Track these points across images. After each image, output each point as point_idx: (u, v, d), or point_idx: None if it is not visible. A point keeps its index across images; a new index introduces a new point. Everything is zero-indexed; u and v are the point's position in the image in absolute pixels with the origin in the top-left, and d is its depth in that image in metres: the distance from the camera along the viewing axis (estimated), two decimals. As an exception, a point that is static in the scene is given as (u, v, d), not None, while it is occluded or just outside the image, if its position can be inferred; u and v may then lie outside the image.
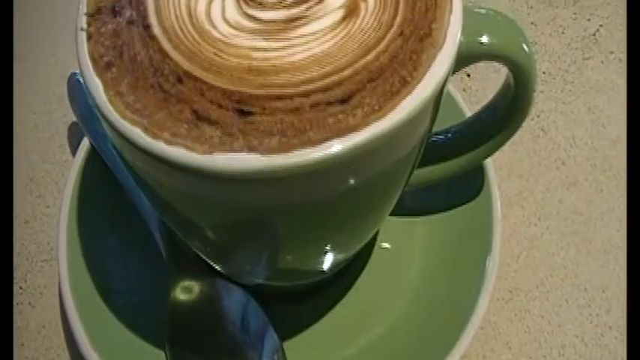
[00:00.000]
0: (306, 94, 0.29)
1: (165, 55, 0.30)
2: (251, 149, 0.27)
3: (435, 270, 0.46)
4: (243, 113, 0.28)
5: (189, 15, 0.32)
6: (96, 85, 0.30)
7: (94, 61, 0.31)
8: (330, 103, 0.29)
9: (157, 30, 0.31)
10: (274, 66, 0.30)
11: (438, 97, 0.31)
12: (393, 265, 0.47)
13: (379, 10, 0.32)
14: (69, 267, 0.45)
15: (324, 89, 0.29)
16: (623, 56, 0.61)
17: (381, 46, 0.31)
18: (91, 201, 0.47)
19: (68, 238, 0.46)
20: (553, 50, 0.62)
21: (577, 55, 0.62)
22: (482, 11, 0.37)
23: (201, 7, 0.32)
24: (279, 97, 0.29)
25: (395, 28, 0.31)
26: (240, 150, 0.27)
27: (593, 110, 0.58)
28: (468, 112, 0.50)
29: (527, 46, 0.37)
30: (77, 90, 0.51)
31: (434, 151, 0.40)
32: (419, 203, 0.48)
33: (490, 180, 0.47)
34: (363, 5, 0.32)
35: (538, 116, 0.57)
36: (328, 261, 0.40)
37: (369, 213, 0.37)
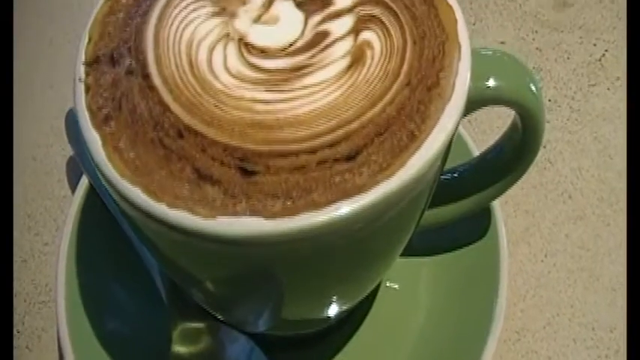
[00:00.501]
0: (311, 151, 0.28)
1: (165, 107, 0.29)
2: (254, 212, 0.27)
3: (441, 313, 0.45)
4: (246, 172, 0.28)
5: (190, 64, 0.31)
6: (94, 140, 0.29)
7: (92, 113, 0.30)
8: (336, 160, 0.28)
9: (156, 80, 0.30)
10: (278, 119, 0.29)
11: (447, 149, 0.30)
12: (398, 307, 0.46)
13: (385, 59, 0.31)
14: (67, 310, 0.43)
15: (331, 145, 0.28)
16: (630, 83, 0.61)
17: (388, 97, 0.30)
18: (91, 241, 0.46)
19: (67, 279, 0.44)
20: (559, 77, 0.61)
21: (583, 81, 0.61)
22: (489, 52, 0.36)
23: (202, 56, 0.31)
24: (283, 155, 0.28)
25: (402, 77, 0.30)
26: (243, 213, 0.27)
27: (599, 139, 0.57)
28: (475, 149, 0.49)
29: (536, 89, 0.36)
30: (75, 127, 0.50)
31: (440, 193, 0.39)
32: (424, 243, 0.47)
33: (496, 219, 0.46)
34: (369, 53, 0.31)
35: (544, 147, 0.56)
36: (334, 310, 0.39)
37: (375, 263, 0.36)
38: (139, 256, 0.45)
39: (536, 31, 0.64)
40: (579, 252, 0.51)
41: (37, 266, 0.52)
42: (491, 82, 0.34)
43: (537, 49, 0.63)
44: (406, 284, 0.47)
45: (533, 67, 0.61)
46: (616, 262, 0.51)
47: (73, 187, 0.50)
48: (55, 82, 0.62)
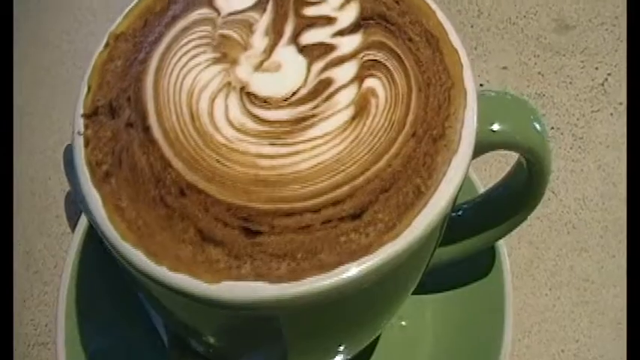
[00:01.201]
0: (316, 209, 0.27)
1: (166, 163, 0.29)
2: (259, 276, 0.26)
3: (448, 350, 0.45)
4: (250, 233, 0.27)
5: (191, 115, 0.30)
6: (94, 199, 0.29)
7: (92, 169, 0.29)
8: (341, 219, 0.27)
9: (157, 133, 0.30)
10: (281, 175, 0.28)
11: (454, 201, 0.30)
12: (405, 343, 0.46)
13: (390, 107, 0.30)
14: (67, 354, 0.43)
15: (335, 202, 0.28)
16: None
17: (394, 150, 0.29)
18: (91, 283, 0.45)
19: (67, 322, 0.43)
20: (561, 102, 0.60)
21: (585, 107, 0.60)
22: (492, 94, 0.35)
23: (203, 106, 0.30)
24: (287, 214, 0.27)
25: (407, 127, 0.30)
26: (248, 276, 0.26)
27: (603, 168, 0.57)
28: (479, 182, 0.48)
29: (542, 131, 0.35)
30: (73, 165, 0.49)
31: (445, 233, 0.39)
32: (429, 280, 0.46)
33: (501, 254, 0.45)
34: (373, 101, 0.30)
35: (548, 176, 0.56)
36: (340, 358, 0.39)
37: (382, 313, 0.36)
38: (140, 299, 0.44)
39: (538, 55, 0.63)
40: (584, 284, 0.51)
41: (37, 306, 0.51)
42: (495, 127, 0.33)
43: (539, 73, 0.62)
44: (412, 320, 0.47)
45: (536, 93, 0.61)
46: (621, 295, 0.50)
47: (72, 223, 0.49)
48: (54, 111, 0.61)
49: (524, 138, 0.34)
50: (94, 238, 0.46)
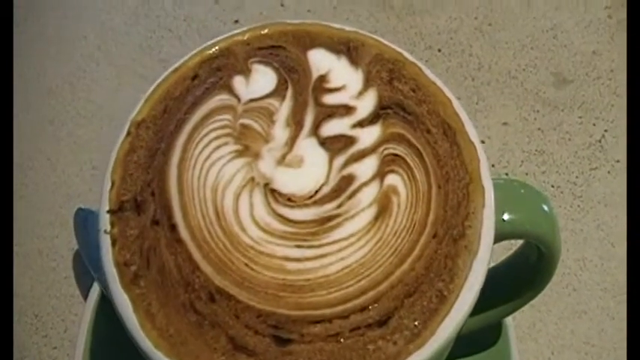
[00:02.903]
0: (344, 316, 0.28)
1: (195, 266, 0.29)
2: (291, 389, 0.27)
3: None
4: (281, 341, 0.28)
5: (216, 213, 0.31)
6: (125, 303, 0.29)
7: (121, 270, 0.30)
8: (369, 326, 0.28)
9: (183, 232, 0.30)
10: (308, 280, 0.29)
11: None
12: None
13: (412, 207, 0.31)
14: None
15: (362, 308, 0.28)
16: (629, 165, 0.61)
17: (416, 252, 0.30)
18: (104, 353, 0.45)
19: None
20: (561, 160, 0.61)
21: (584, 165, 0.61)
22: (501, 182, 0.35)
23: (228, 203, 0.31)
24: (317, 321, 0.28)
25: (428, 228, 0.31)
26: (279, 391, 0.27)
27: (602, 227, 0.58)
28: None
29: (551, 218, 0.36)
30: (85, 230, 0.49)
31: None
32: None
33: (508, 328, 0.46)
34: (395, 200, 0.31)
35: (548, 236, 0.57)
36: None
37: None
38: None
39: (538, 110, 0.64)
40: (585, 348, 0.52)
41: (47, 372, 0.51)
42: (506, 216, 0.34)
43: (539, 129, 0.63)
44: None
45: (536, 150, 0.61)
46: (621, 358, 0.51)
47: (81, 284, 0.49)
48: (58, 164, 0.60)
49: (535, 226, 0.35)
50: (106, 307, 0.46)
